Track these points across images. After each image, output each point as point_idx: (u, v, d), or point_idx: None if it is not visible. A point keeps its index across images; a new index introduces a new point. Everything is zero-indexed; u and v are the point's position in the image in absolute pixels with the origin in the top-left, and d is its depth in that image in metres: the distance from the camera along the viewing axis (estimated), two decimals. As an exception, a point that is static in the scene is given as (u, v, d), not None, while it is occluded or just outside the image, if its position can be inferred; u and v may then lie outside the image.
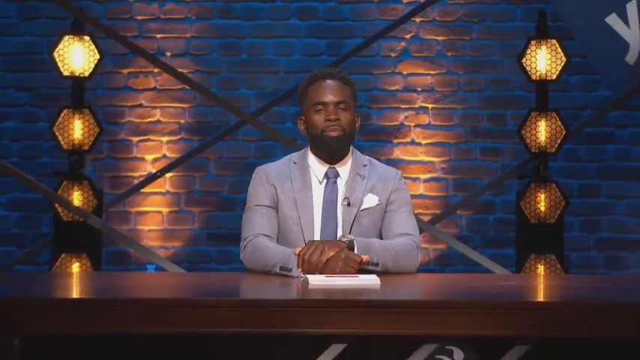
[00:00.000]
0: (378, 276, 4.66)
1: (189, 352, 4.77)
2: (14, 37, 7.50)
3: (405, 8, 7.09)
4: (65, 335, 4.53)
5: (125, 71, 7.51)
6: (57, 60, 6.39)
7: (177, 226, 7.56)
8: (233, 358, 4.74)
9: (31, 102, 7.44)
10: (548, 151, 6.43)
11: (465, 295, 5.02)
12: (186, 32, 7.50)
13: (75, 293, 5.00)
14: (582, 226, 7.49)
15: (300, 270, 4.82)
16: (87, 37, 6.36)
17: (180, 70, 7.08)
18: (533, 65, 6.39)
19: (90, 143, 6.45)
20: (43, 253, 6.52)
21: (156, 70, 7.48)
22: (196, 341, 4.70)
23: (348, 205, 4.99)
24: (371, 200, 5.03)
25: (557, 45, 6.39)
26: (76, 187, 6.31)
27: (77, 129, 6.38)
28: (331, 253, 4.76)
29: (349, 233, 4.88)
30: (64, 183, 6.36)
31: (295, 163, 5.10)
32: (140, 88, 7.57)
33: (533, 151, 6.43)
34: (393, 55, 7.56)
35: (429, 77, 7.60)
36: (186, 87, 7.43)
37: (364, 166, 5.08)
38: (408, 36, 7.54)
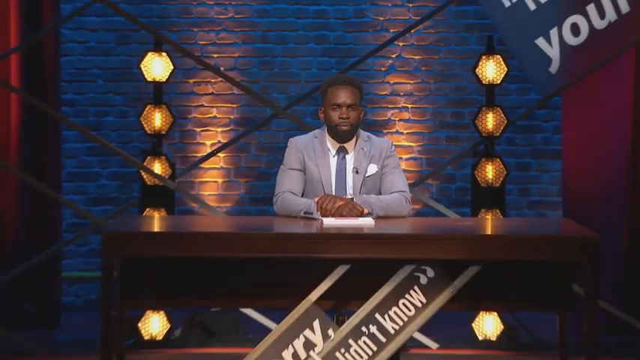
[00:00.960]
0: (373, 219, 4.74)
1: (238, 271, 4.85)
2: (112, 57, 7.48)
3: (391, 35, 7.06)
4: (149, 257, 4.76)
5: (191, 81, 7.48)
6: (142, 70, 6.33)
7: (228, 192, 7.57)
8: (271, 277, 4.82)
9: (124, 103, 7.46)
10: (494, 135, 6.36)
11: (435, 231, 5.10)
12: (234, 53, 7.49)
13: (156, 228, 5.11)
14: (518, 191, 7.48)
15: (318, 213, 4.83)
16: (164, 54, 6.31)
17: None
18: (484, 74, 6.32)
19: (166, 130, 6.42)
20: (133, 210, 6.49)
21: (212, 80, 7.48)
22: (245, 263, 4.79)
23: (357, 173, 5.00)
24: (372, 169, 5.04)
25: (501, 59, 6.31)
26: (156, 161, 6.31)
27: (157, 119, 6.36)
28: (341, 203, 4.77)
29: (359, 193, 4.91)
30: (148, 158, 6.35)
31: (317, 137, 5.09)
32: (201, 92, 7.55)
33: (484, 135, 6.36)
34: (382, 69, 7.54)
35: (408, 85, 7.58)
36: (234, 92, 7.45)
37: (365, 141, 5.06)
38: (393, 55, 7.52)
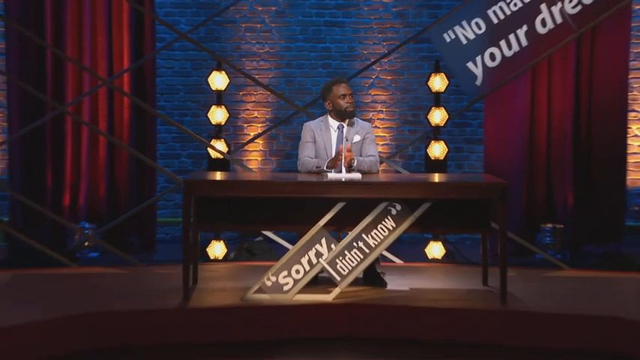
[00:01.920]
0: (360, 174, 4.85)
1: (271, 206, 4.86)
2: (189, 77, 7.41)
3: (370, 62, 6.88)
4: (213, 197, 4.81)
5: (240, 93, 7.39)
6: (209, 82, 6.32)
7: (264, 167, 7.47)
8: (294, 210, 4.83)
9: (197, 107, 7.36)
10: (440, 126, 6.29)
11: (400, 180, 5.17)
12: (269, 74, 7.39)
13: (217, 178, 5.12)
14: (455, 165, 7.36)
15: (325, 168, 4.90)
16: (223, 72, 6.28)
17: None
18: (433, 85, 6.24)
19: (224, 122, 6.39)
20: (202, 176, 6.46)
21: (254, 92, 7.40)
22: (276, 201, 4.83)
23: (347, 140, 4.96)
24: (357, 138, 5.05)
25: (444, 76, 6.22)
26: (218, 142, 6.29)
27: (218, 115, 6.30)
28: (337, 163, 4.82)
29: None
30: (213, 140, 6.29)
31: (322, 121, 5.11)
32: (247, 100, 7.46)
33: (432, 125, 6.28)
34: (366, 85, 7.44)
35: (383, 96, 7.46)
36: (269, 100, 7.40)
37: (354, 122, 5.10)
38: (373, 76, 7.43)
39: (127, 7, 6.57)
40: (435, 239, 6.23)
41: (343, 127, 5.02)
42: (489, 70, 6.08)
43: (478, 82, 6.12)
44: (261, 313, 4.52)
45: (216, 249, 6.22)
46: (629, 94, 6.94)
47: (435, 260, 6.17)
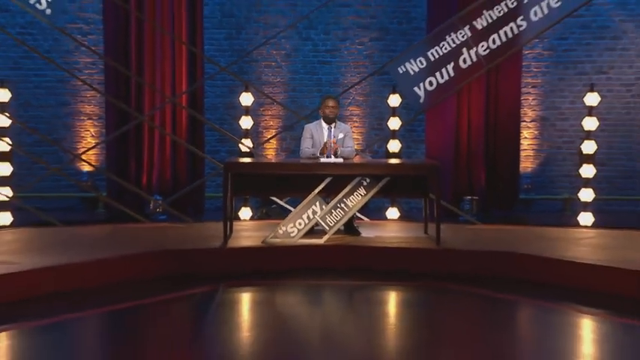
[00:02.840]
0: (342, 159, 4.68)
1: (283, 181, 4.82)
2: (226, 97, 7.32)
3: (348, 87, 6.82)
4: (243, 173, 4.61)
5: (261, 108, 7.36)
6: (240, 100, 6.27)
7: (277, 158, 7.45)
8: (298, 183, 4.77)
9: (231, 118, 7.21)
10: (396, 130, 6.26)
11: (368, 162, 5.10)
12: (280, 96, 7.34)
13: (246, 161, 4.99)
14: (405, 155, 7.15)
15: (319, 154, 4.81)
16: (249, 92, 6.24)
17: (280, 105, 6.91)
18: (391, 102, 6.23)
19: (250, 128, 6.30)
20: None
21: (270, 107, 7.33)
22: (286, 177, 4.74)
23: (334, 137, 4.89)
24: (340, 135, 4.94)
25: (399, 95, 6.19)
26: (245, 139, 6.21)
27: (246, 123, 6.25)
28: (325, 151, 4.75)
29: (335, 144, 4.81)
30: (242, 139, 6.22)
31: (317, 124, 5.01)
32: (266, 113, 7.41)
33: (391, 130, 6.25)
34: (346, 103, 7.37)
35: (358, 110, 7.42)
36: (280, 112, 7.32)
37: (339, 125, 5.00)
38: (350, 97, 7.38)
39: (185, 48, 6.58)
40: (392, 205, 6.23)
41: (331, 128, 5.05)
42: (429, 92, 6.03)
43: (421, 100, 6.08)
44: (275, 251, 4.58)
45: (245, 212, 6.23)
46: (521, 110, 7.05)
47: (392, 219, 6.19)
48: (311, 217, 4.72)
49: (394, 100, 6.30)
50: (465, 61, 6.02)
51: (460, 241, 4.86)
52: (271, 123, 7.52)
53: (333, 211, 4.73)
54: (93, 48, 6.64)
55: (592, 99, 6.08)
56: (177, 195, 6.28)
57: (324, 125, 5.06)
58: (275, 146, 7.49)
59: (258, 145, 7.02)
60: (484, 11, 5.90)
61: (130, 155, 6.60)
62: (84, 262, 4.05)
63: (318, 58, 7.50)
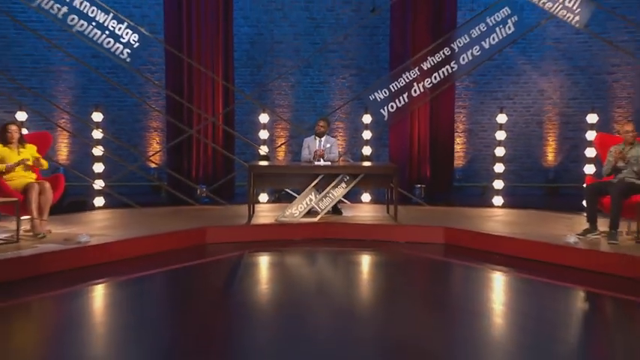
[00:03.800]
0: (330, 162, 4.60)
1: (289, 177, 4.61)
2: (250, 116, 7.08)
3: (334, 110, 6.70)
4: (262, 172, 4.45)
5: (274, 124, 7.18)
6: (259, 119, 6.04)
7: (285, 159, 7.32)
8: (300, 179, 4.58)
9: (252, 131, 6.93)
10: (368, 139, 6.13)
11: (349, 164, 4.96)
12: (287, 115, 7.27)
13: (265, 164, 4.83)
14: (375, 156, 7.06)
15: (313, 159, 4.70)
16: (266, 114, 5.99)
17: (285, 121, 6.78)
18: (365, 120, 6.08)
19: (266, 138, 6.10)
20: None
21: (280, 123, 7.20)
22: (291, 174, 4.54)
23: (323, 146, 4.78)
24: (327, 145, 4.82)
25: (370, 115, 6.02)
26: (263, 146, 6.02)
27: (263, 135, 6.07)
28: (319, 154, 4.58)
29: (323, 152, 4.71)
30: (260, 146, 6.06)
31: (311, 136, 4.89)
32: (277, 127, 7.29)
33: (365, 140, 6.13)
34: (334, 120, 7.24)
35: (342, 124, 7.26)
36: (287, 127, 7.20)
37: (327, 138, 4.86)
38: (336, 116, 7.24)
39: (221, 83, 6.42)
40: (365, 192, 6.11)
41: (321, 140, 4.99)
42: (391, 113, 5.91)
43: (386, 119, 5.95)
44: (284, 226, 4.53)
45: (263, 197, 6.13)
46: (455, 124, 6.93)
47: (365, 203, 6.08)
48: (309, 202, 4.70)
49: (367, 118, 6.23)
50: (415, 91, 5.94)
51: (411, 218, 4.81)
52: (281, 134, 7.43)
53: (324, 198, 4.70)
54: (157, 82, 6.61)
55: (502, 118, 6.11)
56: (216, 185, 6.20)
57: (317, 138, 5.01)
58: (284, 149, 7.42)
59: (272, 150, 6.93)
60: (428, 57, 5.88)
61: (183, 157, 6.48)
62: (148, 235, 4.03)
63: (314, 88, 7.41)
